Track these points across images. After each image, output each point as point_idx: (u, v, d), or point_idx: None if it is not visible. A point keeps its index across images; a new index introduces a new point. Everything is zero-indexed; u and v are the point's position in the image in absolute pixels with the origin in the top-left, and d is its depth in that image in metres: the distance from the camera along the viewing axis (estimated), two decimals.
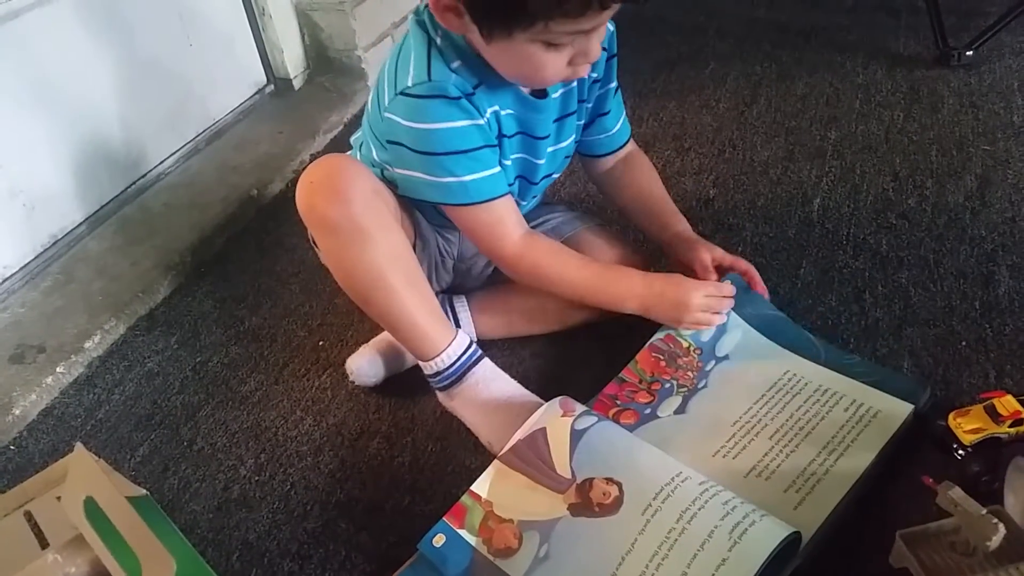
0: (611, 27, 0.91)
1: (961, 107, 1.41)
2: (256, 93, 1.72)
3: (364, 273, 0.87)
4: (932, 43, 1.57)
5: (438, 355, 0.91)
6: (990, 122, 1.36)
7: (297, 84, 1.76)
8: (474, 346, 0.94)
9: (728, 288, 0.95)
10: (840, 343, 0.98)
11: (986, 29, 1.54)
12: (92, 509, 0.67)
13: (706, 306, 0.92)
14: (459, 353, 0.92)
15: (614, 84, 0.99)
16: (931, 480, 0.73)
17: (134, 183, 1.46)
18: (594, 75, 0.95)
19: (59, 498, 0.75)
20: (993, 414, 0.82)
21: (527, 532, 0.77)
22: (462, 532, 0.80)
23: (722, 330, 0.96)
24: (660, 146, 1.43)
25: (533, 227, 1.06)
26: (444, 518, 0.81)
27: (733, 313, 0.96)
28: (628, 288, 0.92)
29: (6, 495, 0.84)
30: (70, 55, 1.33)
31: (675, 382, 0.94)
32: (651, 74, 1.65)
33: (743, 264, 0.99)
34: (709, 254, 0.98)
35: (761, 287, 1.00)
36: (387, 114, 0.85)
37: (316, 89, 1.76)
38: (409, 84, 0.82)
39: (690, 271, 0.97)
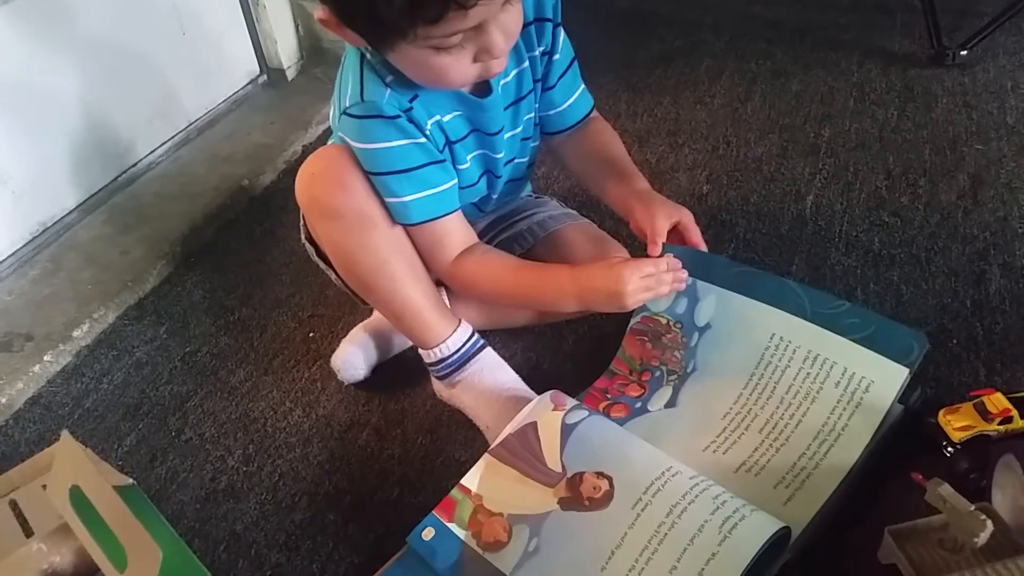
0: None
1: (955, 106, 1.41)
2: (249, 83, 1.71)
3: (368, 259, 0.87)
4: (927, 42, 1.57)
5: (442, 342, 0.91)
6: (983, 122, 1.36)
7: (290, 75, 1.75)
8: (476, 335, 0.94)
9: (665, 263, 0.85)
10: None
11: (980, 29, 1.54)
12: (78, 498, 0.66)
13: (643, 288, 0.83)
14: (463, 341, 0.92)
15: (559, 56, 0.92)
16: (920, 477, 0.73)
17: (125, 172, 1.45)
18: (540, 48, 0.90)
19: (44, 486, 0.75)
20: (983, 412, 0.82)
21: (517, 526, 0.77)
22: (451, 526, 0.79)
23: (694, 299, 0.93)
24: (654, 141, 1.42)
25: (519, 220, 1.05)
26: (433, 511, 0.81)
27: (699, 281, 0.92)
28: (559, 288, 0.87)
29: None
30: (61, 41, 1.31)
31: (664, 368, 0.93)
32: (646, 69, 1.65)
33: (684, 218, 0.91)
34: (666, 220, 0.89)
35: (696, 238, 0.92)
36: (339, 133, 0.84)
37: (309, 80, 1.75)
38: (347, 104, 0.81)
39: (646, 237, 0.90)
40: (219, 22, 1.62)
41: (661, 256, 0.88)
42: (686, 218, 0.91)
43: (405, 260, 0.88)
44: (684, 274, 0.87)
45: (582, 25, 1.93)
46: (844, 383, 0.84)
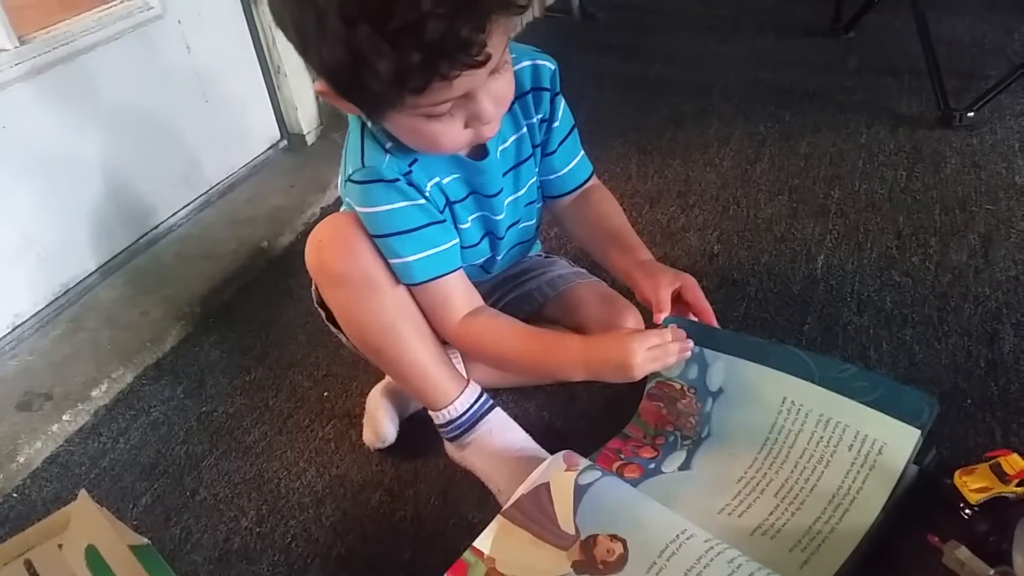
0: (552, 65, 0.92)
1: (963, 167, 1.43)
2: (270, 148, 1.76)
3: (375, 323, 0.88)
4: (934, 104, 1.60)
5: (450, 404, 0.92)
6: (992, 182, 1.38)
7: (310, 140, 1.80)
8: (485, 395, 0.94)
9: (669, 334, 0.86)
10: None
11: (987, 91, 1.57)
12: (94, 557, 0.66)
13: (651, 359, 0.84)
14: (471, 402, 0.93)
15: (559, 123, 0.95)
16: (937, 539, 0.73)
17: (146, 234, 1.48)
18: (539, 116, 0.93)
19: (60, 546, 0.75)
20: (999, 473, 0.81)
21: None
22: None
23: (704, 364, 0.93)
24: (665, 202, 1.45)
25: (529, 279, 1.07)
26: (446, 574, 0.80)
27: (707, 349, 0.92)
28: (567, 357, 0.87)
29: (6, 544, 0.83)
30: (89, 108, 1.36)
31: (679, 434, 0.94)
32: (656, 132, 1.68)
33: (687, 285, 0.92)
34: (668, 288, 0.91)
35: (699, 302, 0.92)
36: (346, 199, 0.87)
37: (328, 145, 1.79)
38: (351, 171, 0.84)
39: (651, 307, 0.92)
40: (241, 90, 1.67)
41: (665, 327, 0.88)
42: (688, 282, 0.92)
43: (411, 323, 0.89)
44: (689, 343, 0.88)
45: (594, 89, 1.98)
46: (857, 446, 0.84)
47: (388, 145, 0.83)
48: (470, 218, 0.93)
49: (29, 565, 0.80)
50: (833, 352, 1.06)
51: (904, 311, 1.12)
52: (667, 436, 0.94)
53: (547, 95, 0.92)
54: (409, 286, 0.88)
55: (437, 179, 0.87)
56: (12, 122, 1.24)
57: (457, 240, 0.89)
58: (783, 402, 0.90)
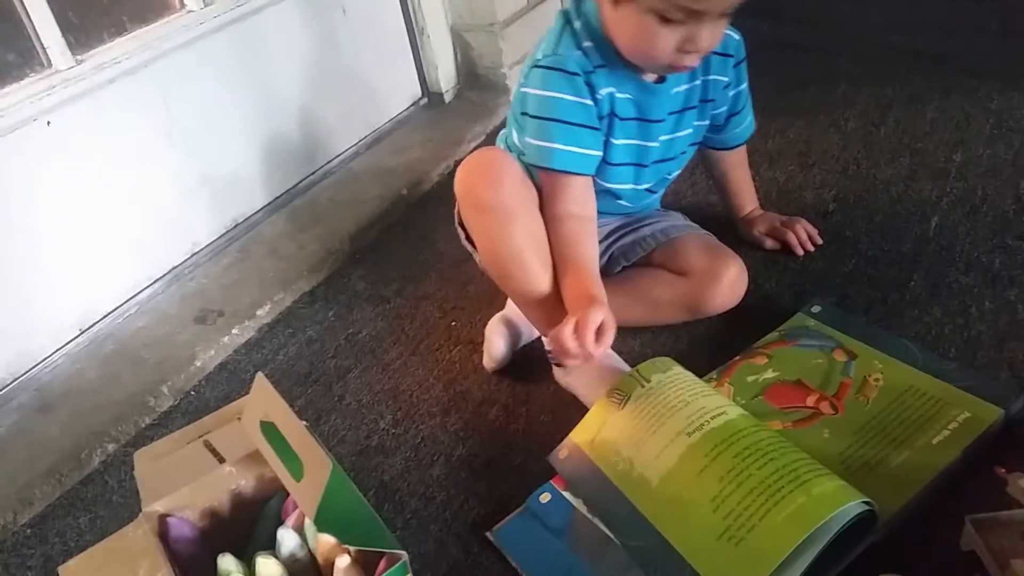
0: (737, 36, 1.03)
1: None
2: (412, 105, 1.91)
3: (507, 250, 0.99)
4: None
5: None
6: None
7: (448, 98, 1.93)
8: None
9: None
10: (941, 350, 1.01)
11: None
12: (270, 430, 0.80)
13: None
14: None
15: (744, 87, 1.12)
16: (1003, 470, 0.77)
17: (305, 178, 1.66)
18: (715, 76, 1.05)
19: (239, 418, 0.89)
20: None
21: None
22: (566, 494, 0.90)
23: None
24: (784, 161, 1.48)
25: (645, 226, 1.16)
26: (551, 481, 0.92)
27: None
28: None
29: (187, 428, 0.99)
30: (258, 63, 1.54)
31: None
32: (781, 93, 1.70)
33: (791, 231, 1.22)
34: (765, 226, 1.24)
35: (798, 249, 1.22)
36: (522, 89, 0.99)
37: (464, 103, 1.92)
38: (539, 57, 0.96)
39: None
40: (389, 49, 1.82)
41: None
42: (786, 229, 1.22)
43: (539, 255, 1.00)
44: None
45: None
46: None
47: (585, 44, 0.96)
48: (624, 140, 1.03)
49: (208, 444, 0.96)
50: (935, 307, 1.09)
51: (1012, 272, 1.13)
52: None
53: (730, 60, 1.06)
54: (540, 168, 0.99)
55: (613, 89, 0.98)
56: (201, 74, 1.43)
57: (600, 153, 1.00)
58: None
